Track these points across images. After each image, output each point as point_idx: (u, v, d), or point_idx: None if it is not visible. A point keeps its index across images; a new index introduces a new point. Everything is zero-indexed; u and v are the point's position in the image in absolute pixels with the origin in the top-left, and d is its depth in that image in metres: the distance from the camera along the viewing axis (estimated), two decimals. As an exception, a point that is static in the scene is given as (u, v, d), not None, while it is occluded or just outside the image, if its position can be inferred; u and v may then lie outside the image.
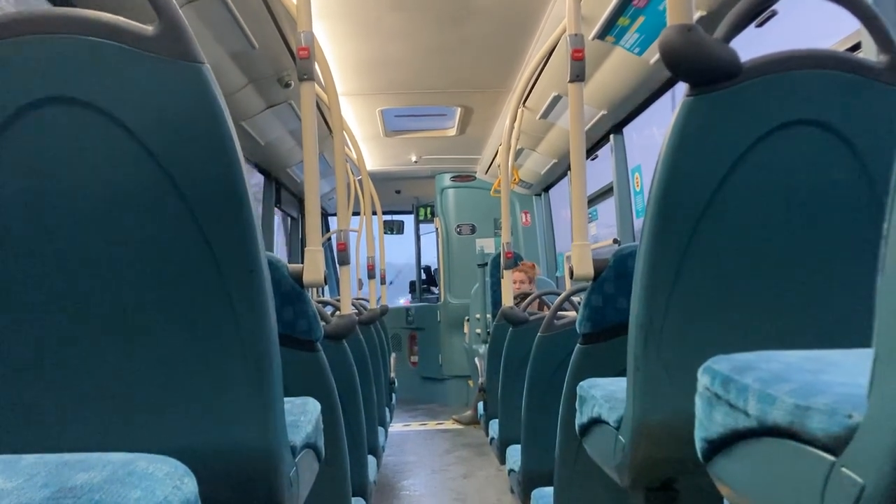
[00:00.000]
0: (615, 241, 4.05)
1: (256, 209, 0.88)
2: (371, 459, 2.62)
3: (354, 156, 3.91)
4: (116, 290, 0.85)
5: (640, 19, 2.64)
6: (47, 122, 0.83)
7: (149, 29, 0.85)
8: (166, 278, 0.86)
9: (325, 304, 3.09)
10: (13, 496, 0.50)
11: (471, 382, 5.82)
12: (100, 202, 0.85)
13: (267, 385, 0.89)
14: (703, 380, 0.77)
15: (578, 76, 1.77)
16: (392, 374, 4.45)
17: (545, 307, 3.86)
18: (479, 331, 5.22)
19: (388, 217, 7.45)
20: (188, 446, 0.85)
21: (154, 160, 0.84)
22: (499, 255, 4.51)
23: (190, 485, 0.58)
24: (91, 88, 0.84)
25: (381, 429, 3.29)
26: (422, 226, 7.74)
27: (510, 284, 2.90)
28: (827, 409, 0.55)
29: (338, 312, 2.28)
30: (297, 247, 5.88)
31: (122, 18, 0.85)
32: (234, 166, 0.87)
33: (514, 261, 3.21)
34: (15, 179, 0.83)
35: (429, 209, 7.52)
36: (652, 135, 4.05)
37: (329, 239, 6.04)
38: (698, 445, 0.78)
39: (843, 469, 0.52)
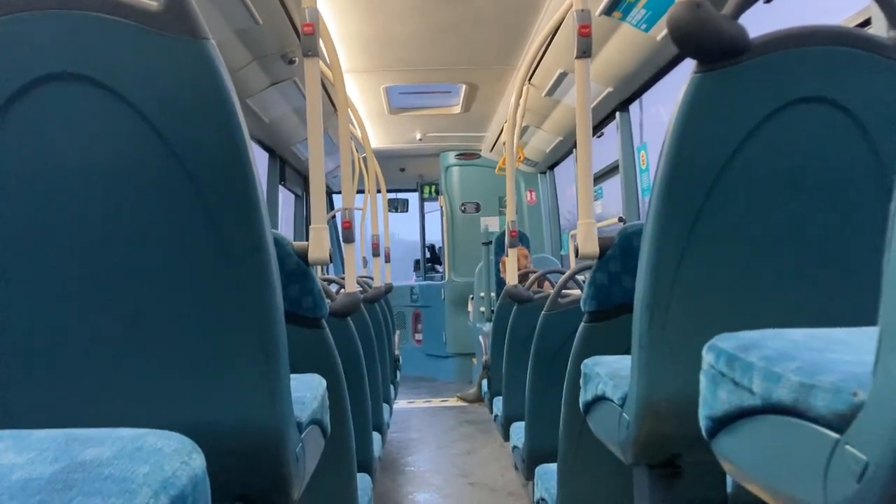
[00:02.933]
0: (620, 219, 4.04)
1: (262, 187, 0.88)
2: (376, 436, 2.64)
3: (359, 133, 3.90)
4: (121, 267, 0.86)
5: (648, -5, 2.61)
6: (51, 99, 0.83)
7: (153, 4, 0.84)
8: (172, 255, 0.86)
9: (331, 281, 3.10)
10: (24, 470, 0.51)
11: (475, 360, 5.85)
12: (104, 179, 0.84)
13: (273, 362, 0.89)
14: (707, 357, 0.77)
15: (585, 52, 1.76)
16: (397, 352, 4.47)
17: (549, 285, 3.86)
18: (483, 309, 5.23)
19: (393, 195, 7.44)
20: (196, 422, 0.86)
21: (159, 137, 0.84)
22: (503, 233, 4.50)
23: (198, 460, 0.58)
24: (95, 65, 0.83)
25: (385, 405, 3.32)
26: (426, 204, 7.74)
27: (514, 263, 2.90)
28: (832, 388, 0.55)
29: (343, 290, 2.28)
30: (302, 224, 5.88)
31: None
32: (240, 144, 0.86)
33: (519, 240, 3.21)
34: (19, 156, 0.83)
35: (433, 187, 7.51)
36: (658, 113, 4.01)
37: (333, 217, 6.04)
38: (702, 423, 0.79)
39: (847, 447, 0.52)
